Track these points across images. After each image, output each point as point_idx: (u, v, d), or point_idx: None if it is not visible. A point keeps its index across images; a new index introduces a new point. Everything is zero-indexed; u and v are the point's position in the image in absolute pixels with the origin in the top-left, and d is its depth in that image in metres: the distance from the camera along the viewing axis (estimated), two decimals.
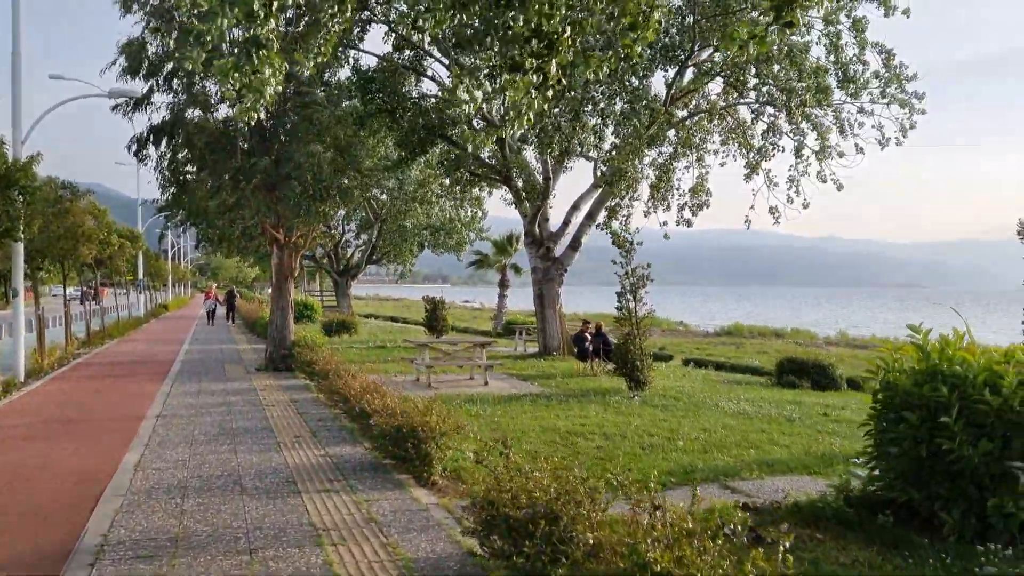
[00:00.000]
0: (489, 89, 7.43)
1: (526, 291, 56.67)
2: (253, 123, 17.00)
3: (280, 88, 7.48)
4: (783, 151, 21.28)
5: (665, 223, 28.94)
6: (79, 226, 19.55)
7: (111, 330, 29.21)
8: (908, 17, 20.94)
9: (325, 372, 13.19)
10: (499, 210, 43.63)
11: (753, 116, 21.55)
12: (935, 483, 6.11)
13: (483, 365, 16.56)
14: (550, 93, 7.55)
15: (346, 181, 18.35)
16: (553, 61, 7.26)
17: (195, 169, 17.86)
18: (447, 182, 34.97)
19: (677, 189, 26.79)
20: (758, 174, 22.69)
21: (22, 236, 14.91)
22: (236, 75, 7.15)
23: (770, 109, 20.73)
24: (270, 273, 19.66)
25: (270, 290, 71.92)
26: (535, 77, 7.32)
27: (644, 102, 19.60)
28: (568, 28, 7.13)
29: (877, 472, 6.65)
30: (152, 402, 13.09)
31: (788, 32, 7.06)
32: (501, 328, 40.64)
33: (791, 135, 21.64)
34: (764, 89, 19.98)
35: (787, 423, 12.02)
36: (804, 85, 19.41)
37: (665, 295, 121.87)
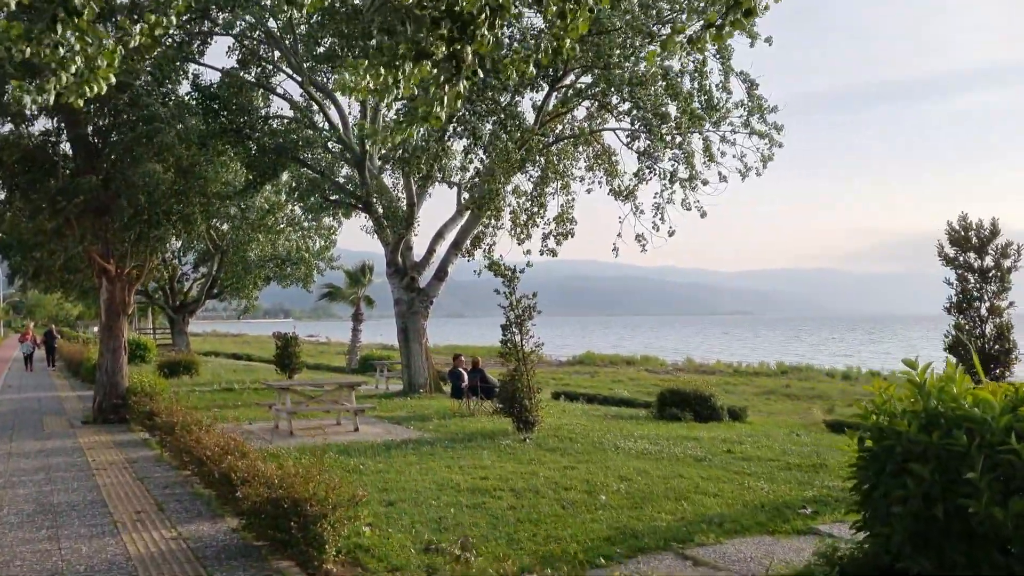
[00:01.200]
0: (389, 80, 6.02)
1: (378, 324, 54.36)
2: (37, 110, 14.68)
3: (106, 72, 5.76)
4: (661, 176, 20.76)
5: (528, 252, 28.19)
6: None
7: None
8: (770, 45, 20.98)
9: (169, 425, 11.13)
10: (347, 242, 41.68)
11: (628, 140, 20.95)
12: (951, 549, 5.12)
13: (352, 409, 14.83)
14: (462, 87, 6.22)
15: (188, 206, 16.22)
16: (468, 47, 5.94)
17: (5, 192, 15.32)
18: (298, 209, 32.90)
19: (542, 217, 26.11)
20: (628, 200, 22.17)
21: None
22: (25, 46, 5.36)
23: (644, 134, 20.16)
24: (98, 310, 17.15)
25: (96, 329, 66.28)
26: (448, 66, 5.97)
27: (516, 120, 18.55)
28: (485, 10, 5.86)
29: (868, 534, 5.62)
30: None
31: (745, 22, 6.03)
32: (356, 364, 38.59)
33: (663, 161, 21.21)
34: (638, 113, 19.37)
35: (698, 464, 11.05)
36: (679, 110, 18.98)
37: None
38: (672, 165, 20.29)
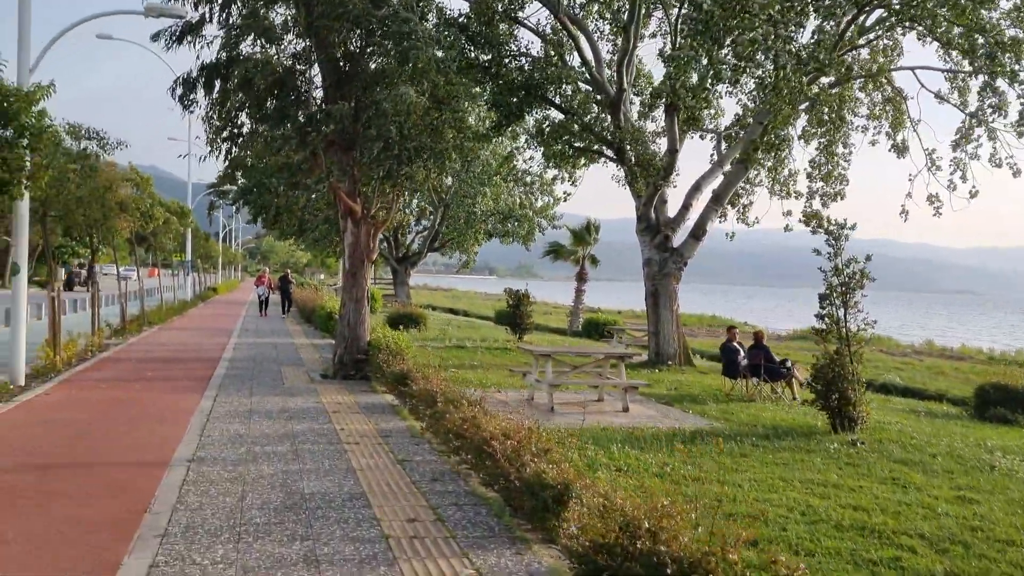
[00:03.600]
0: None
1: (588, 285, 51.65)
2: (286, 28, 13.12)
3: None
4: (1004, 116, 16.74)
5: (789, 214, 24.82)
6: (107, 188, 15.75)
7: (151, 315, 25.67)
8: None
9: (430, 397, 9.20)
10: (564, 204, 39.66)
11: (971, 71, 16.97)
12: None
13: (622, 385, 12.45)
14: None
15: (440, 142, 14.29)
16: None
17: (253, 119, 14.03)
18: (534, 159, 30.93)
19: (809, 174, 22.77)
20: (965, 145, 18.28)
21: (24, 193, 11.15)
22: None
23: (986, 67, 16.11)
24: (341, 255, 15.83)
25: (323, 276, 68.51)
26: None
27: (819, 50, 15.12)
28: None
29: None
30: (186, 430, 9.21)
31: None
32: (579, 327, 36.53)
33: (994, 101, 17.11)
34: (981, 40, 15.38)
35: None
36: None
37: (709, 295, 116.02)
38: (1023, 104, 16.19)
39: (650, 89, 22.70)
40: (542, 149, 23.20)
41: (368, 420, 10.35)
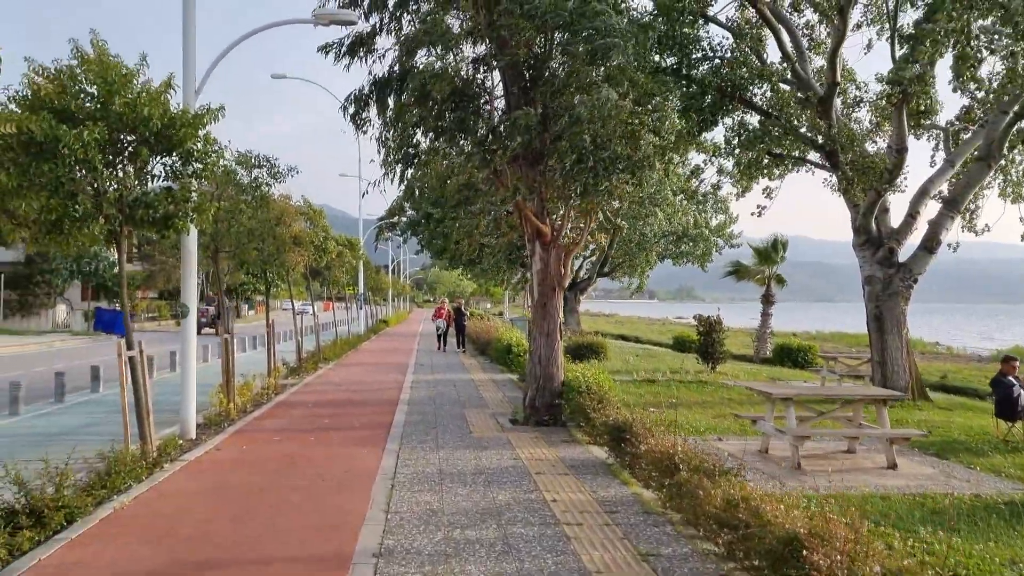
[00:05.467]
0: None
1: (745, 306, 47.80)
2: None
3: None
4: None
5: None
6: (279, 220, 14.83)
7: (326, 351, 25.05)
8: None
9: (667, 461, 7.17)
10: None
11: None
12: None
13: (887, 436, 9.95)
14: None
15: (637, 151, 12.24)
16: None
17: (430, 136, 12.60)
18: (723, 170, 28.46)
19: None
20: None
21: (191, 227, 10.09)
22: None
23: None
24: (529, 283, 14.15)
25: (489, 305, 67.90)
26: None
27: None
28: None
29: None
30: (368, 503, 7.59)
31: None
32: (768, 353, 33.43)
33: None
34: None
35: None
36: None
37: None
38: None
39: (855, 82, 19.97)
40: (732, 160, 20.88)
41: (581, 485, 8.44)
